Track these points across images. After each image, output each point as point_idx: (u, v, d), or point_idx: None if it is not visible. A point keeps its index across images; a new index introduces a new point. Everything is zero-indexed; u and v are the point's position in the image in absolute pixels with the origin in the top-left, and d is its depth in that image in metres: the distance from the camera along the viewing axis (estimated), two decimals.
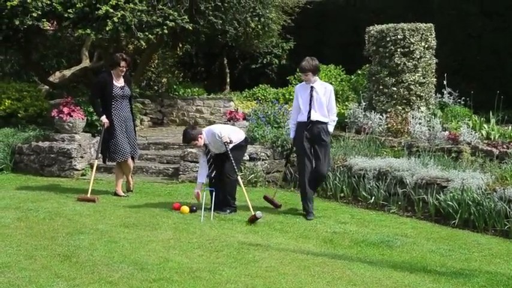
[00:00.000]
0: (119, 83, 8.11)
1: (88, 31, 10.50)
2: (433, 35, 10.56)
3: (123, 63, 8.05)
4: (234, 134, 7.31)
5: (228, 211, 7.25)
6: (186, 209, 7.17)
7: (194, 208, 7.19)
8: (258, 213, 6.71)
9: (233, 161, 7.10)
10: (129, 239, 5.88)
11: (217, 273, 4.90)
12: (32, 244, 5.63)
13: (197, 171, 9.10)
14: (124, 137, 8.11)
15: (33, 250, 5.44)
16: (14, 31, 11.23)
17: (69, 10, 10.48)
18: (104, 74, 8.31)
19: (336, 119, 7.37)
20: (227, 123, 10.42)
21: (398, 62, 10.32)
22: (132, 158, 8.35)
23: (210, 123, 12.29)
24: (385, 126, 9.94)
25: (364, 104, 10.80)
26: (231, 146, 7.15)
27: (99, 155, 8.28)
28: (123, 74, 8.14)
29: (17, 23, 10.43)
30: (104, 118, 8.04)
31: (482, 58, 13.38)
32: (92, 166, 8.93)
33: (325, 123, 7.18)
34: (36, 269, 4.93)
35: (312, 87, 7.16)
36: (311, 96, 7.14)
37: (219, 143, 7.16)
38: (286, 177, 9.33)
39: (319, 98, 7.12)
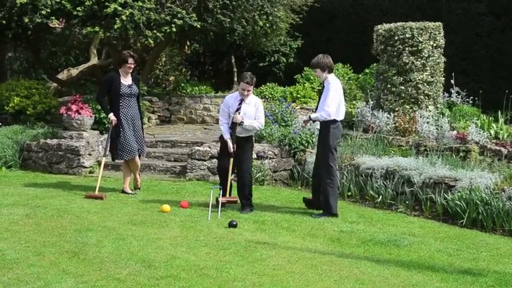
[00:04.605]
0: (126, 81, 8.11)
1: (96, 29, 10.55)
2: (442, 34, 10.52)
3: (130, 60, 8.04)
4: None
5: (249, 209, 7.22)
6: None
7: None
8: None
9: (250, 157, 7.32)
10: (136, 236, 5.89)
11: (224, 271, 4.90)
12: (40, 241, 5.65)
13: (204, 169, 9.19)
14: (131, 135, 8.11)
15: (42, 247, 5.46)
16: (23, 29, 11.29)
17: (78, 8, 10.54)
18: (112, 73, 8.34)
19: (318, 115, 6.92)
20: None
21: (407, 61, 10.29)
22: (139, 156, 8.37)
23: (218, 121, 12.27)
24: (393, 125, 9.92)
25: (371, 102, 10.77)
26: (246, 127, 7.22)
27: (107, 152, 8.31)
28: (131, 71, 8.14)
29: (26, 20, 10.49)
30: (111, 116, 8.05)
31: (490, 58, 13.33)
32: (99, 163, 8.96)
33: (322, 123, 7.00)
34: (45, 265, 4.95)
35: (323, 85, 7.12)
36: (320, 93, 7.11)
37: (252, 112, 7.20)
38: (293, 175, 9.33)
39: (323, 95, 7.02)
